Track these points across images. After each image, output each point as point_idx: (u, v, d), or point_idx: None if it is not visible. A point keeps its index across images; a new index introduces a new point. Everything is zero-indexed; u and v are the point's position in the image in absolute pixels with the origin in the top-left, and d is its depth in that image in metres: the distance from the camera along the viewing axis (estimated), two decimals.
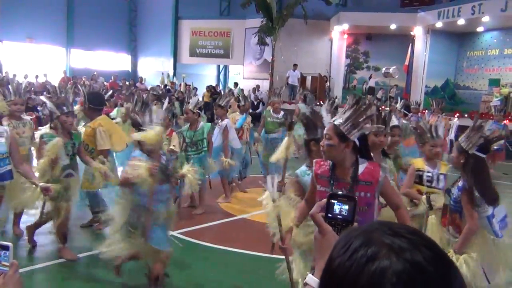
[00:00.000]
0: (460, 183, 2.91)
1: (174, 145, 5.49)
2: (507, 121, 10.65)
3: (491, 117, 11.26)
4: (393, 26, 16.68)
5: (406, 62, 16.93)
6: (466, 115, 12.67)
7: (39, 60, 20.69)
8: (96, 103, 5.09)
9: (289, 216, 2.63)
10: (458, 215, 2.92)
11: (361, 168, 2.36)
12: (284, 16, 16.76)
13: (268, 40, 18.06)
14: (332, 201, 1.03)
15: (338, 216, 1.01)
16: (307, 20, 17.49)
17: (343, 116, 2.35)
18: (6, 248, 1.45)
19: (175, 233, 5.18)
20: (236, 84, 20.12)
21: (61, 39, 21.77)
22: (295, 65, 17.72)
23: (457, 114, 12.59)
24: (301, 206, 2.67)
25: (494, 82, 14.80)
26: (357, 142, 2.36)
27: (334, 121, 2.39)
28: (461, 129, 4.22)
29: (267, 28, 17.24)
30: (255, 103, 17.60)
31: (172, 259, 4.68)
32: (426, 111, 11.69)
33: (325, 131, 2.41)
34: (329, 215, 1.04)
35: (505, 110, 11.92)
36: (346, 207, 1.01)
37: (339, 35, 18.51)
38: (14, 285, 1.46)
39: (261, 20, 17.64)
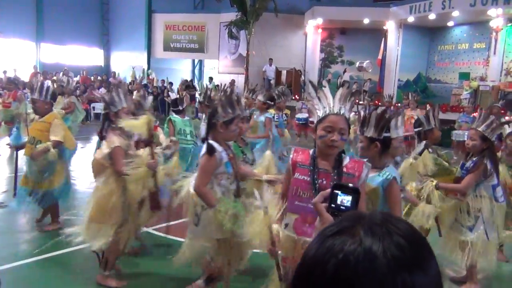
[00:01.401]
0: (473, 160, 3.66)
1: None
2: (477, 113, 10.91)
3: (462, 110, 11.54)
4: (366, 21, 16.86)
5: (380, 56, 17.18)
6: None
7: (8, 55, 20.07)
8: (54, 98, 5.04)
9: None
10: None
11: (345, 161, 2.29)
12: (257, 10, 16.72)
13: (242, 34, 18.00)
14: (336, 191, 1.02)
15: (341, 207, 1.01)
16: (282, 15, 17.53)
17: (348, 107, 2.32)
18: None
19: (149, 229, 5.15)
20: (210, 79, 19.99)
21: (31, 33, 21.16)
22: (270, 60, 17.75)
23: (429, 107, 12.84)
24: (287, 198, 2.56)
25: (464, 76, 15.15)
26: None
27: (342, 114, 2.30)
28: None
29: (241, 22, 17.18)
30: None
31: (145, 255, 4.66)
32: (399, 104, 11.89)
33: (338, 125, 2.24)
34: (332, 205, 1.03)
35: (474, 103, 12.24)
36: (349, 198, 1.00)
37: (313, 29, 18.60)
38: None
39: (235, 14, 17.57)
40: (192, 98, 16.48)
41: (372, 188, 2.52)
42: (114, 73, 20.84)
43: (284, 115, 7.34)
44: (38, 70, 19.53)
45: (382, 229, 0.65)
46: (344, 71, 18.33)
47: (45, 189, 4.71)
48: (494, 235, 3.63)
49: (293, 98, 15.93)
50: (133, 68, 21.47)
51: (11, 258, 4.23)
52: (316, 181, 2.29)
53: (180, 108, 6.44)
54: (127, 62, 22.98)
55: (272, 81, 17.82)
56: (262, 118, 6.44)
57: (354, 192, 1.01)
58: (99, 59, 24.43)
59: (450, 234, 3.78)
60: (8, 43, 20.30)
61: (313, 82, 2.61)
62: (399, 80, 17.48)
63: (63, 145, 4.76)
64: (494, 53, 14.83)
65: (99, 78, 19.64)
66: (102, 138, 3.84)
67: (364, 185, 2.24)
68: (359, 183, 2.23)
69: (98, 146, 4.40)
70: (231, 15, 18.01)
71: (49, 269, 4.15)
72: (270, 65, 17.75)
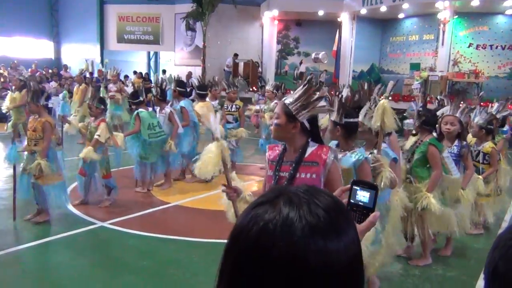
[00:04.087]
0: (458, 145, 4.27)
1: (98, 135, 5.38)
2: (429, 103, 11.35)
3: (413, 99, 11.95)
4: (321, 13, 17.08)
5: (334, 48, 17.48)
6: (390, 98, 13.31)
7: None
8: None
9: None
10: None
11: (309, 150, 2.26)
12: (213, 1, 16.56)
13: (199, 26, 17.79)
14: (355, 187, 1.03)
15: (360, 203, 1.02)
16: (238, 6, 17.43)
17: (294, 95, 2.25)
18: None
19: (105, 223, 5.06)
20: (164, 71, 19.76)
21: None
22: (236, 55, 17.73)
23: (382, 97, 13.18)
24: (258, 192, 2.60)
25: (415, 66, 15.67)
26: (307, 124, 2.26)
27: (285, 100, 2.29)
28: None
29: (197, 14, 16.97)
30: (188, 90, 17.32)
31: (101, 249, 4.58)
32: None
33: (275, 110, 2.33)
34: (351, 201, 1.03)
35: (424, 92, 12.71)
36: (368, 194, 1.01)
37: (269, 21, 18.65)
38: None
39: (191, 6, 17.32)
40: (148, 91, 16.14)
41: (345, 168, 2.61)
42: (66, 66, 20.08)
43: (234, 106, 7.43)
44: None
45: (300, 199, 0.71)
46: (301, 63, 18.52)
47: None
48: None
49: (251, 89, 15.97)
50: (86, 61, 20.73)
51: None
52: (277, 174, 2.30)
53: (141, 99, 6.41)
54: (79, 55, 22.18)
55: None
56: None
57: (372, 188, 1.02)
58: (49, 51, 23.48)
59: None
60: None
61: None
62: (353, 71, 17.86)
63: None
64: (442, 44, 15.42)
65: (50, 71, 18.86)
66: None
67: (335, 167, 2.24)
68: (325, 168, 2.21)
69: None
70: (186, 6, 17.74)
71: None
72: (236, 60, 17.81)
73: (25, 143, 5.06)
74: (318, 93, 2.25)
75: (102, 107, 5.76)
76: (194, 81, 11.24)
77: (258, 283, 0.66)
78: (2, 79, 14.73)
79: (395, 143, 3.57)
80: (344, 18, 17.30)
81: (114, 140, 5.75)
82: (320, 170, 2.22)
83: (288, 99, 2.27)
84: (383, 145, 3.27)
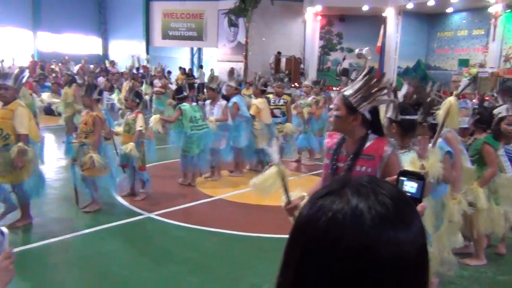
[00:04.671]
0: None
1: (141, 126, 5.51)
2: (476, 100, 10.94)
3: (461, 96, 11.54)
4: (365, 8, 16.76)
5: (379, 43, 17.12)
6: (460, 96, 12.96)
7: (4, 43, 19.92)
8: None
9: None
10: None
11: (368, 143, 2.23)
12: None
13: (241, 22, 17.90)
14: (402, 178, 1.03)
15: (407, 193, 0.98)
16: (281, 2, 17.42)
17: (354, 87, 2.22)
18: (2, 233, 1.46)
19: (152, 215, 5.21)
20: (201, 67, 20.23)
21: (27, 21, 20.99)
22: (279, 53, 17.76)
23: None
24: (319, 182, 2.59)
25: (464, 63, 15.13)
26: (368, 116, 2.22)
27: (344, 91, 2.25)
28: None
29: (239, 10, 17.07)
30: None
31: (147, 239, 4.73)
32: None
33: (334, 101, 2.29)
34: None
35: (476, 89, 12.24)
36: (416, 185, 0.98)
37: (312, 16, 18.50)
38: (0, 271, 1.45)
39: (234, 2, 17.44)
40: (191, 86, 16.45)
41: None
42: (113, 61, 20.73)
43: (282, 100, 7.42)
44: (35, 59, 19.43)
45: (368, 189, 0.70)
46: (344, 59, 18.28)
47: (13, 183, 4.54)
48: None
49: (292, 85, 15.92)
50: (132, 57, 21.35)
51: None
52: (334, 164, 2.29)
53: (185, 94, 6.56)
54: (126, 51, 22.85)
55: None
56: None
57: (420, 179, 1.01)
58: (98, 47, 24.29)
59: None
60: (4, 31, 20.14)
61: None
62: (398, 67, 17.44)
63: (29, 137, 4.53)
64: (493, 39, 14.79)
65: (99, 67, 19.51)
66: None
67: (394, 160, 2.20)
68: (382, 162, 2.18)
69: None
70: (229, 3, 17.87)
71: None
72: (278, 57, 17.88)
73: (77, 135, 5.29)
74: (379, 84, 2.20)
75: (138, 100, 5.89)
76: (171, 87, 11.42)
77: (326, 273, 0.67)
78: (54, 74, 15.36)
79: (453, 140, 3.47)
80: (390, 13, 16.91)
81: (149, 133, 5.91)
82: (376, 164, 2.18)
83: (348, 91, 2.23)
84: (439, 139, 3.20)
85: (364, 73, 2.24)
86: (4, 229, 1.48)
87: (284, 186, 2.32)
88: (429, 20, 17.58)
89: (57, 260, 4.10)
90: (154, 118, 6.15)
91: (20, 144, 4.40)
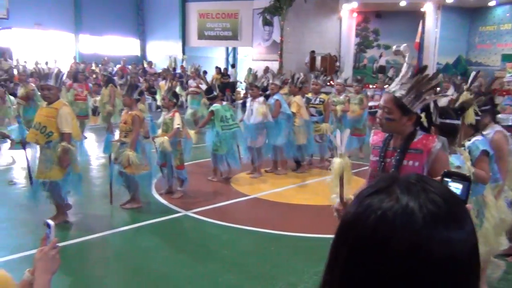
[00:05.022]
0: None
1: (178, 124, 5.62)
2: None
3: (504, 93, 11.11)
4: (402, 3, 16.39)
5: (417, 39, 16.67)
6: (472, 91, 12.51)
7: (48, 46, 20.71)
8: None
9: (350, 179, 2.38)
10: None
11: (416, 137, 2.23)
12: None
13: (276, 20, 17.86)
14: (446, 179, 1.02)
15: None
16: (315, 0, 17.28)
17: (404, 86, 2.19)
18: (48, 225, 1.55)
19: (189, 212, 5.30)
20: (233, 66, 20.41)
21: (69, 24, 21.73)
22: (312, 52, 17.66)
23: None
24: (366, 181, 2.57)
25: (507, 58, 14.54)
26: (420, 114, 2.24)
27: (393, 92, 2.21)
28: None
29: (274, 8, 17.05)
30: (265, 84, 17.50)
31: (185, 237, 4.81)
32: None
33: (383, 103, 2.25)
34: None
35: None
36: (460, 186, 0.98)
37: (348, 13, 18.24)
38: (47, 261, 1.54)
39: (269, 1, 17.44)
40: (226, 85, 16.59)
41: None
42: (150, 62, 21.17)
43: (318, 99, 7.41)
44: (77, 61, 20.08)
45: (417, 187, 0.68)
46: (380, 56, 17.94)
47: (50, 179, 4.67)
48: None
49: (328, 84, 15.76)
50: (169, 57, 21.74)
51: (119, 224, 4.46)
52: (382, 161, 2.28)
53: (215, 93, 6.66)
54: (163, 51, 23.28)
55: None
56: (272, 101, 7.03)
57: (465, 180, 0.99)
58: (136, 48, 24.86)
59: None
60: (48, 34, 20.92)
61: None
62: (438, 63, 16.96)
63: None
64: None
65: (138, 67, 19.97)
66: None
67: (441, 156, 2.17)
68: (430, 157, 2.16)
69: None
70: (264, 2, 17.88)
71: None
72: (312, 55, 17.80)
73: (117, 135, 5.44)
74: (432, 82, 2.17)
75: (175, 100, 6.00)
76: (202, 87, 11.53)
77: (375, 272, 0.65)
78: (94, 75, 15.85)
79: (499, 141, 3.32)
80: (428, 8, 16.45)
81: (186, 132, 6.00)
82: (424, 158, 2.16)
83: (398, 92, 2.20)
84: (479, 137, 3.09)
85: (409, 71, 2.20)
86: (51, 222, 1.57)
87: (341, 180, 2.28)
88: (470, 14, 16.99)
89: (96, 256, 4.24)
90: (161, 140, 5.71)
91: (64, 143, 4.58)
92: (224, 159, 6.58)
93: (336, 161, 2.31)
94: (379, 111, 2.26)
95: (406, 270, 0.64)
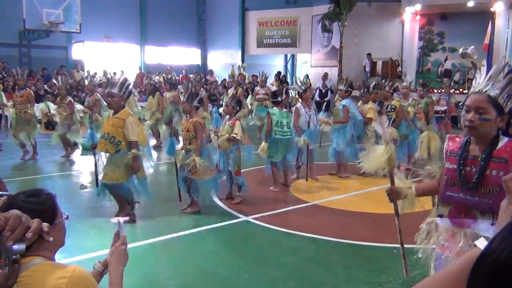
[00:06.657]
0: None
1: (235, 133, 5.66)
2: None
3: None
4: (470, 4, 15.64)
5: (486, 41, 15.82)
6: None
7: (116, 57, 21.88)
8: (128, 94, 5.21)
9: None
10: None
11: (500, 144, 2.10)
12: (351, 0, 16.31)
13: (335, 26, 17.70)
14: None
15: None
16: (376, 3, 16.94)
17: (497, 85, 2.10)
18: (119, 223, 1.68)
19: (249, 218, 5.35)
20: (279, 73, 20.87)
21: (136, 37, 22.82)
22: (368, 55, 17.40)
23: None
24: (431, 182, 2.48)
25: None
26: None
27: (485, 92, 2.11)
28: None
29: (334, 14, 16.91)
30: (323, 91, 17.38)
31: (245, 242, 4.85)
32: None
33: (474, 103, 2.10)
34: None
35: None
36: None
37: (411, 16, 17.70)
38: (119, 256, 1.66)
39: (328, 6, 17.33)
40: (285, 92, 16.62)
41: None
42: (211, 71, 21.70)
43: (390, 106, 7.50)
44: (142, 71, 21.02)
45: None
46: (446, 59, 17.21)
47: (114, 182, 4.99)
48: None
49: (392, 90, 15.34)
50: (232, 66, 22.17)
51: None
52: (462, 169, 2.16)
53: (279, 99, 6.69)
54: (222, 60, 23.80)
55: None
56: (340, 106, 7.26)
57: None
58: (197, 58, 25.59)
59: None
60: (116, 47, 22.13)
61: None
62: (509, 65, 15.96)
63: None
64: None
65: (200, 77, 20.52)
66: None
67: None
68: None
69: None
70: (323, 8, 17.79)
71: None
72: (368, 59, 17.52)
73: (181, 143, 5.64)
74: None
75: (238, 108, 6.09)
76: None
77: None
78: (157, 85, 16.50)
79: None
80: (499, 7, 15.57)
81: (247, 139, 6.06)
82: (509, 168, 2.02)
83: (493, 91, 2.09)
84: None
85: (504, 69, 2.12)
86: (121, 219, 1.67)
87: (390, 165, 2.27)
88: None
89: (160, 258, 4.37)
90: (222, 138, 5.84)
91: (134, 150, 4.86)
92: (280, 166, 6.59)
93: (382, 148, 2.31)
94: (469, 114, 2.10)
95: None
